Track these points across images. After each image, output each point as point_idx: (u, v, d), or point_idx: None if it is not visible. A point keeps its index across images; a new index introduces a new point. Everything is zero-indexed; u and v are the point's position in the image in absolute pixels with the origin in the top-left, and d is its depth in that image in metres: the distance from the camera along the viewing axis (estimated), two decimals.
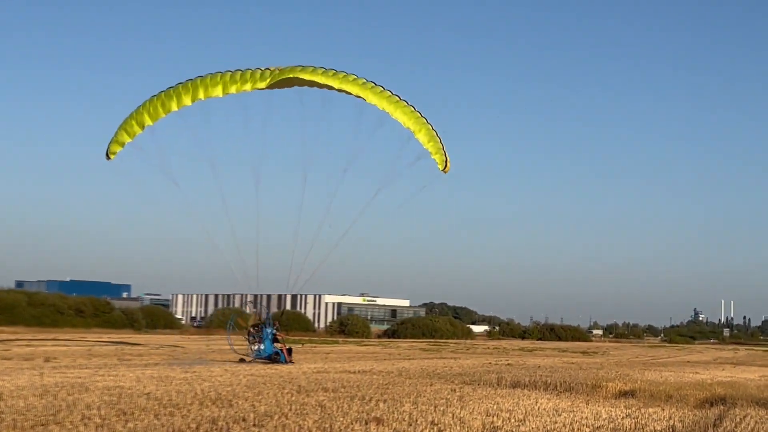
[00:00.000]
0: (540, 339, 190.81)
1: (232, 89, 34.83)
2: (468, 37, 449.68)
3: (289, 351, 46.03)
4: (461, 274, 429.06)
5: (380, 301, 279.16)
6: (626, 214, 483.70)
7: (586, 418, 23.05)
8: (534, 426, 20.88)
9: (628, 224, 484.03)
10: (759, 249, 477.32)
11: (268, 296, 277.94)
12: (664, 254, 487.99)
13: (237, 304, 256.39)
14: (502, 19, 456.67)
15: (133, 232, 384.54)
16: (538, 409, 24.61)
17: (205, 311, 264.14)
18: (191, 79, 35.63)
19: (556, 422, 21.72)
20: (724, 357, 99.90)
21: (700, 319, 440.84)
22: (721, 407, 27.24)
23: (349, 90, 35.70)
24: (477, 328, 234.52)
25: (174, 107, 34.60)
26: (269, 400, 24.32)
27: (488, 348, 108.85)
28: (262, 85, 35.03)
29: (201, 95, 34.83)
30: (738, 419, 24.26)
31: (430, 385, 32.06)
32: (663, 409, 25.89)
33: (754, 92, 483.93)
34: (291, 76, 35.08)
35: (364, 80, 36.33)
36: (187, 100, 34.56)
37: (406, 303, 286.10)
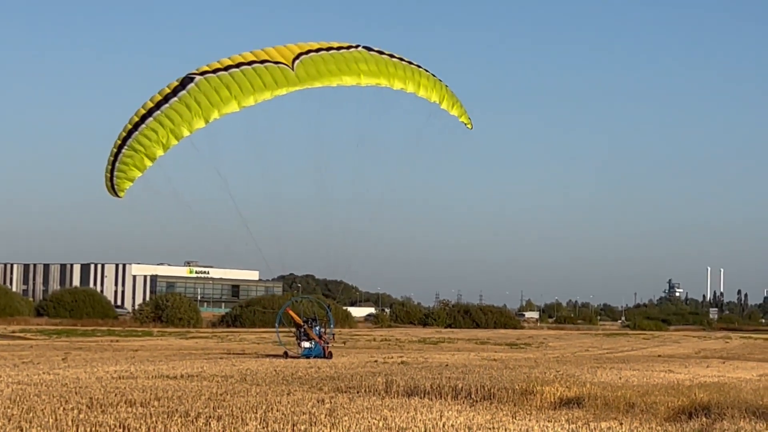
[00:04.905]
0: (449, 326, 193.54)
1: (249, 101, 41.46)
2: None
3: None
4: (333, 233, 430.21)
5: (215, 273, 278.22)
6: (567, 144, 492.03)
7: None
8: None
9: (570, 159, 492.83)
10: (760, 197, 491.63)
11: (45, 266, 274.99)
12: (624, 203, 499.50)
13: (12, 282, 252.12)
14: None
15: None
16: (444, 425, 24.90)
17: None
18: (198, 90, 42.35)
19: None
20: (710, 348, 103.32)
21: (677, 295, 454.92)
22: (704, 420, 27.96)
23: (377, 83, 43.40)
24: (358, 312, 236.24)
25: (186, 132, 42.11)
26: (44, 419, 23.98)
27: (374, 339, 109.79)
28: (283, 91, 41.81)
29: (215, 114, 41.90)
30: None
31: (287, 395, 32.14)
32: (621, 423, 26.48)
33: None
34: (320, 84, 42.51)
35: (386, 61, 43.89)
36: (199, 122, 41.82)
37: (253, 276, 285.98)
